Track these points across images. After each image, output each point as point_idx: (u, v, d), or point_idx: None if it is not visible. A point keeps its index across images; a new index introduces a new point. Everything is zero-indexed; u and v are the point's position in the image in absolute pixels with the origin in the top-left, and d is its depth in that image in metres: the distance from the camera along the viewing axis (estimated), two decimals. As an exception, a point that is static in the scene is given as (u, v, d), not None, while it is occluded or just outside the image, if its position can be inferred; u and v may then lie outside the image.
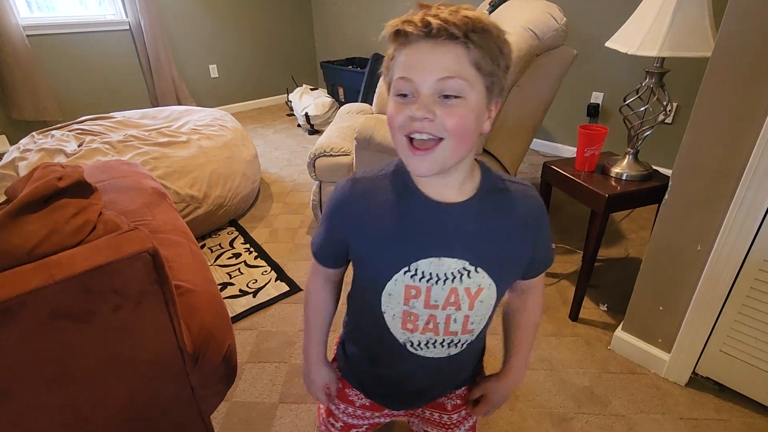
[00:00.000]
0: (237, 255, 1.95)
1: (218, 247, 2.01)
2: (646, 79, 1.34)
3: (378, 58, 3.24)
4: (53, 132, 2.10)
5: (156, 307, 0.66)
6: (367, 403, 0.75)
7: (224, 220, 2.14)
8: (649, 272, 1.28)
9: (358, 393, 0.75)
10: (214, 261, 1.91)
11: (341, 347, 0.77)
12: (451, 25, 0.47)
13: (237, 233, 2.12)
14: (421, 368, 0.65)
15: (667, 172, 1.27)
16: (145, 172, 1.32)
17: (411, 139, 0.50)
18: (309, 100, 3.55)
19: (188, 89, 3.78)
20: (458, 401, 0.76)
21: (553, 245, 1.93)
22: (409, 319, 0.60)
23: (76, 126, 2.18)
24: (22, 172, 1.77)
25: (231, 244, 2.04)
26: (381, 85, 2.08)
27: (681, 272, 1.21)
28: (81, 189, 0.70)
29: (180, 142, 2.05)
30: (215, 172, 2.03)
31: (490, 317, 0.64)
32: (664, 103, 1.33)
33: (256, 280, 1.77)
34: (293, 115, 3.90)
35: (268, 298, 1.66)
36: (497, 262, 0.58)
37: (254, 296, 1.68)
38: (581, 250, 1.88)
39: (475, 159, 0.59)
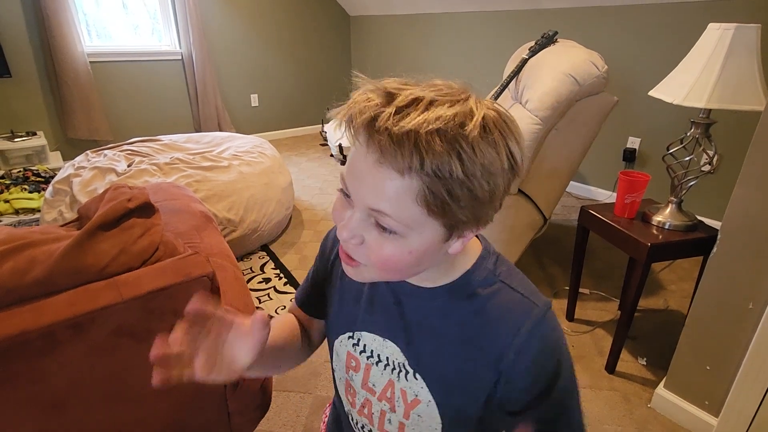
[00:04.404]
0: (267, 280, 1.97)
1: (249, 270, 2.05)
2: (691, 128, 1.33)
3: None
4: (106, 152, 2.23)
5: (207, 331, 0.68)
6: None
7: (257, 244, 2.19)
8: (694, 328, 1.23)
9: None
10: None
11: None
12: (400, 148, 0.32)
13: (268, 258, 2.16)
14: None
15: (708, 221, 1.24)
16: (192, 195, 1.38)
17: None
18: (343, 132, 3.66)
19: (230, 116, 3.97)
20: None
21: (587, 291, 1.88)
22: (349, 391, 0.55)
23: (126, 147, 2.30)
24: (76, 188, 1.87)
25: (262, 268, 2.07)
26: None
27: (730, 331, 1.15)
28: (146, 210, 0.74)
29: (221, 166, 2.14)
30: (252, 197, 2.10)
31: None
32: (710, 153, 1.31)
33: (284, 307, 1.78)
34: (326, 144, 4.01)
35: (296, 326, 1.66)
36: (441, 378, 0.47)
37: (283, 323, 1.69)
38: (617, 298, 1.82)
39: (482, 242, 0.48)
